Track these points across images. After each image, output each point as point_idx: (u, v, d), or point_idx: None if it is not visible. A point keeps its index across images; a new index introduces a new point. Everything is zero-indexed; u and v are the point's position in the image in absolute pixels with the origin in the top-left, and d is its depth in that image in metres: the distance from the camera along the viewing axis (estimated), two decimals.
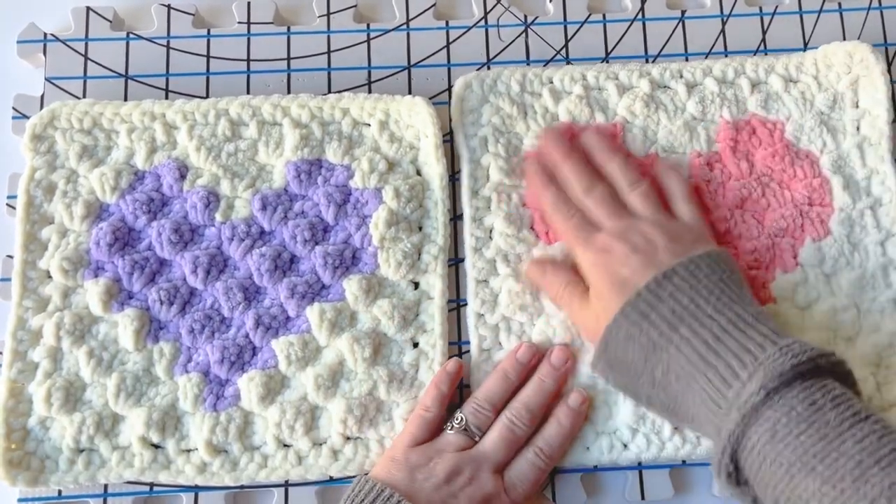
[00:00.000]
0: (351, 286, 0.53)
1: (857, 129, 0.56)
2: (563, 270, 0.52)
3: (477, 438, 0.49)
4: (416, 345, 0.53)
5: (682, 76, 0.58)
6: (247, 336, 0.52)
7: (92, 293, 0.52)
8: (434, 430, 0.50)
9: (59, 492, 0.51)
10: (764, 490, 0.41)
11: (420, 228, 0.55)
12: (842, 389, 0.41)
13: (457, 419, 0.50)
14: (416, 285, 0.54)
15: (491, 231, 0.55)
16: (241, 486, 0.51)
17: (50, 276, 0.53)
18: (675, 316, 0.45)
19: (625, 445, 0.51)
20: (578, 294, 0.50)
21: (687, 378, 0.44)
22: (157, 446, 0.50)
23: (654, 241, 0.48)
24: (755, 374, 0.41)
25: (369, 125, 0.56)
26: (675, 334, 0.45)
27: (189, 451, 0.50)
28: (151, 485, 0.51)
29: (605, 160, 0.54)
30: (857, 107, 0.57)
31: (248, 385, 0.51)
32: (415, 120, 0.56)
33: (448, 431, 0.49)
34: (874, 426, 0.39)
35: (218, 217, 0.54)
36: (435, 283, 0.53)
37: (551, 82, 0.57)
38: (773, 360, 0.41)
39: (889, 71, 0.60)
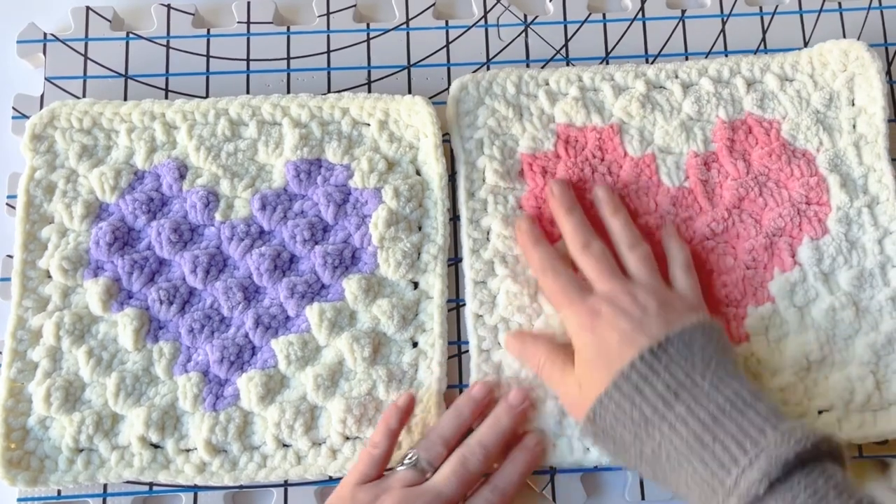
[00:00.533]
0: (350, 286, 0.53)
1: (854, 127, 0.56)
2: (542, 342, 0.50)
3: (428, 475, 0.47)
4: (415, 344, 0.53)
5: (677, 76, 0.58)
6: (246, 336, 0.52)
7: (91, 293, 0.52)
8: (383, 467, 0.48)
9: (59, 491, 0.51)
10: None
11: (420, 228, 0.55)
12: (842, 476, 0.40)
13: (408, 456, 0.48)
14: (416, 285, 0.54)
15: (488, 232, 0.55)
16: (241, 486, 0.51)
17: (50, 276, 0.53)
18: (670, 391, 0.43)
19: None
20: (559, 364, 0.49)
21: (679, 458, 0.42)
22: (156, 446, 0.50)
23: (646, 306, 0.47)
24: (756, 460, 0.40)
25: (369, 125, 0.56)
26: (670, 412, 0.43)
27: (188, 450, 0.50)
28: (151, 484, 0.51)
29: (610, 213, 0.53)
30: (853, 105, 0.57)
31: (247, 385, 0.51)
32: (414, 119, 0.56)
33: (398, 468, 0.47)
34: None
35: (217, 217, 0.54)
36: (434, 282, 0.54)
37: (547, 84, 0.57)
38: (775, 446, 0.40)
39: (889, 71, 0.60)
